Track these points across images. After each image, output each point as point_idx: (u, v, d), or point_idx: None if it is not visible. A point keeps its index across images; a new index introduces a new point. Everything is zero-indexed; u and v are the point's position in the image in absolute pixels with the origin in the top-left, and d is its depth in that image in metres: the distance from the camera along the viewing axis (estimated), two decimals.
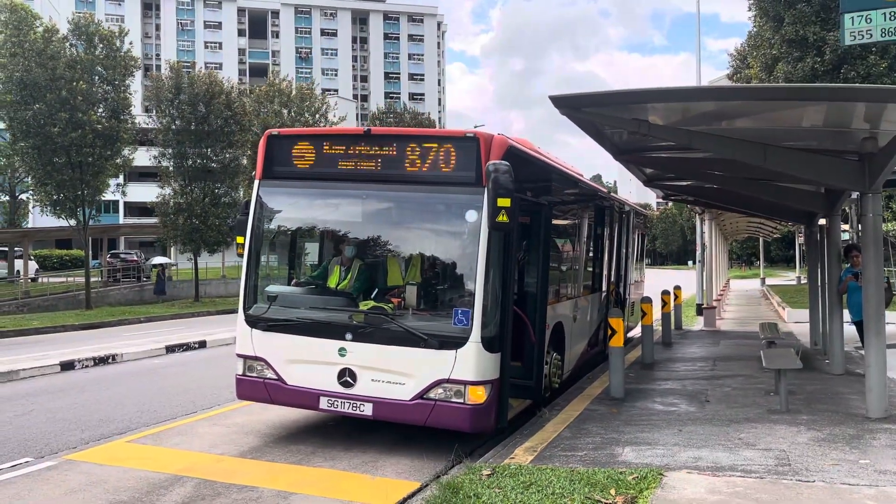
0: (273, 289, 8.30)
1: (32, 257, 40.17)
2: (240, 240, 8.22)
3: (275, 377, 7.72)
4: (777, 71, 24.04)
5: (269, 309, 7.91)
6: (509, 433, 7.89)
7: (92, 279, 31.73)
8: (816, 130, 8.42)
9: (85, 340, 19.17)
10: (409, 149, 7.44)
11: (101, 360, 14.67)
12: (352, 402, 7.35)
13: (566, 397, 9.72)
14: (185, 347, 16.97)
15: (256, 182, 8.24)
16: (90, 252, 33.12)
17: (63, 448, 7.89)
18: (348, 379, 7.36)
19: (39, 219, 48.02)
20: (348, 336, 7.36)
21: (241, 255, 8.24)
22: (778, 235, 44.18)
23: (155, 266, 39.25)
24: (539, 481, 5.95)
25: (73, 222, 29.99)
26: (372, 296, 7.73)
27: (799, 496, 5.52)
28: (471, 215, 7.16)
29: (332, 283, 8.01)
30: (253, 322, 7.86)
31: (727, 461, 6.48)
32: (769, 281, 46.67)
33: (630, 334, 16.03)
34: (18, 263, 38.15)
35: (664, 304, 16.59)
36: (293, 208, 8.47)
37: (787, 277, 53.19)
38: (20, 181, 41.30)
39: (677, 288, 19.27)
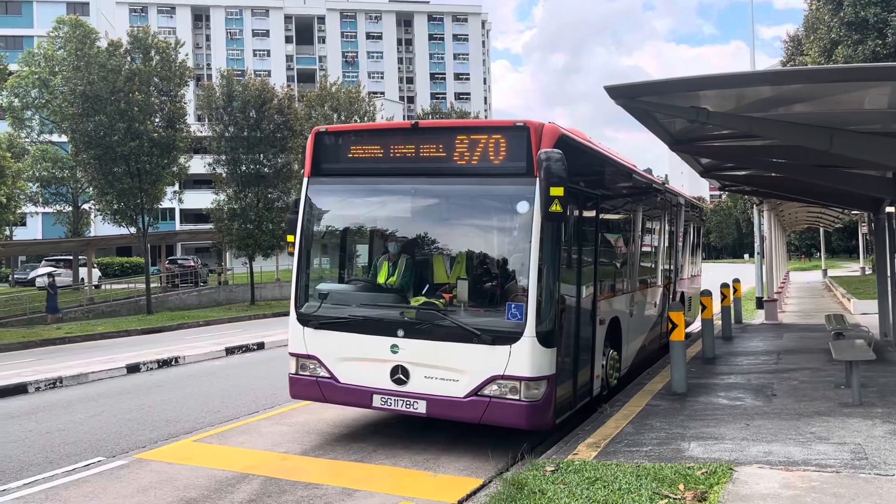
0: (324, 286, 8.27)
1: (95, 265, 41.46)
2: (290, 238, 8.17)
3: (328, 375, 7.70)
4: (836, 55, 23.25)
5: (321, 307, 7.86)
6: (570, 429, 7.80)
7: (152, 285, 32.59)
8: (881, 112, 8.08)
9: (148, 344, 19.71)
10: (457, 141, 7.31)
11: (165, 363, 15.06)
12: (405, 399, 7.28)
13: (627, 393, 9.56)
14: (244, 349, 17.29)
15: (305, 180, 8.19)
16: (149, 258, 34.01)
17: (133, 447, 8.11)
18: (401, 376, 7.28)
19: (101, 227, 49.70)
20: (400, 332, 7.28)
21: (291, 254, 8.22)
22: (840, 225, 42.69)
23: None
24: (604, 477, 5.86)
25: (132, 230, 30.90)
26: (423, 291, 7.63)
27: (879, 490, 5.31)
28: (522, 206, 7.00)
29: (382, 279, 7.93)
30: (305, 320, 7.84)
31: (800, 455, 6.28)
32: (831, 272, 45.18)
33: (688, 329, 15.68)
34: (82, 271, 39.50)
35: (723, 297, 16.20)
36: (342, 205, 8.39)
37: (850, 268, 51.37)
38: (82, 191, 42.73)
39: (736, 281, 18.80)
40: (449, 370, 7.09)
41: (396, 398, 7.32)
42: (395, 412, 7.60)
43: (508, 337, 6.84)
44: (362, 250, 8.97)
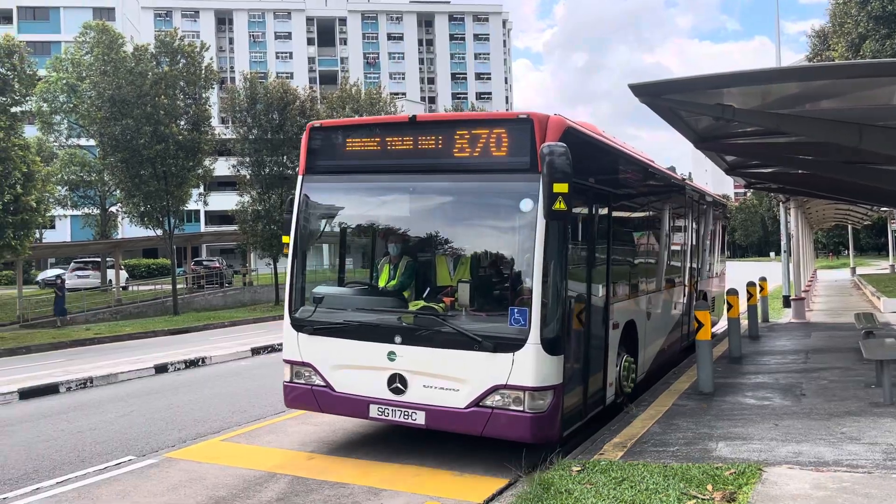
0: (319, 290, 7.89)
1: (122, 267, 42.05)
2: (285, 239, 7.85)
3: (323, 384, 7.35)
4: (864, 49, 22.91)
5: (316, 311, 7.51)
6: (595, 429, 7.77)
7: (178, 286, 32.99)
8: None
9: (175, 345, 19.97)
10: (457, 135, 6.92)
11: (192, 363, 15.24)
12: (403, 410, 6.92)
13: (652, 393, 9.50)
14: (270, 349, 17.43)
15: (300, 178, 7.80)
16: (175, 260, 34.42)
17: (163, 447, 8.22)
18: (399, 385, 6.93)
19: (128, 230, 50.40)
20: (398, 339, 6.92)
21: (286, 255, 7.87)
22: (868, 222, 42.07)
23: (47, 284, 34.69)
24: (631, 477, 5.84)
25: (159, 232, 31.35)
26: (423, 295, 7.30)
27: None
28: (526, 204, 6.60)
29: (382, 282, 7.60)
30: (299, 326, 7.51)
31: (831, 456, 6.21)
32: (860, 270, 44.50)
33: (713, 329, 15.48)
34: (110, 273, 40.08)
35: (750, 296, 16.02)
36: (339, 203, 7.98)
37: (880, 266, 50.61)
38: (110, 194, 43.38)
39: (763, 279, 18.60)
40: (449, 379, 6.73)
41: (394, 408, 6.96)
42: (392, 423, 7.18)
43: (511, 344, 6.46)
44: (359, 251, 8.70)
